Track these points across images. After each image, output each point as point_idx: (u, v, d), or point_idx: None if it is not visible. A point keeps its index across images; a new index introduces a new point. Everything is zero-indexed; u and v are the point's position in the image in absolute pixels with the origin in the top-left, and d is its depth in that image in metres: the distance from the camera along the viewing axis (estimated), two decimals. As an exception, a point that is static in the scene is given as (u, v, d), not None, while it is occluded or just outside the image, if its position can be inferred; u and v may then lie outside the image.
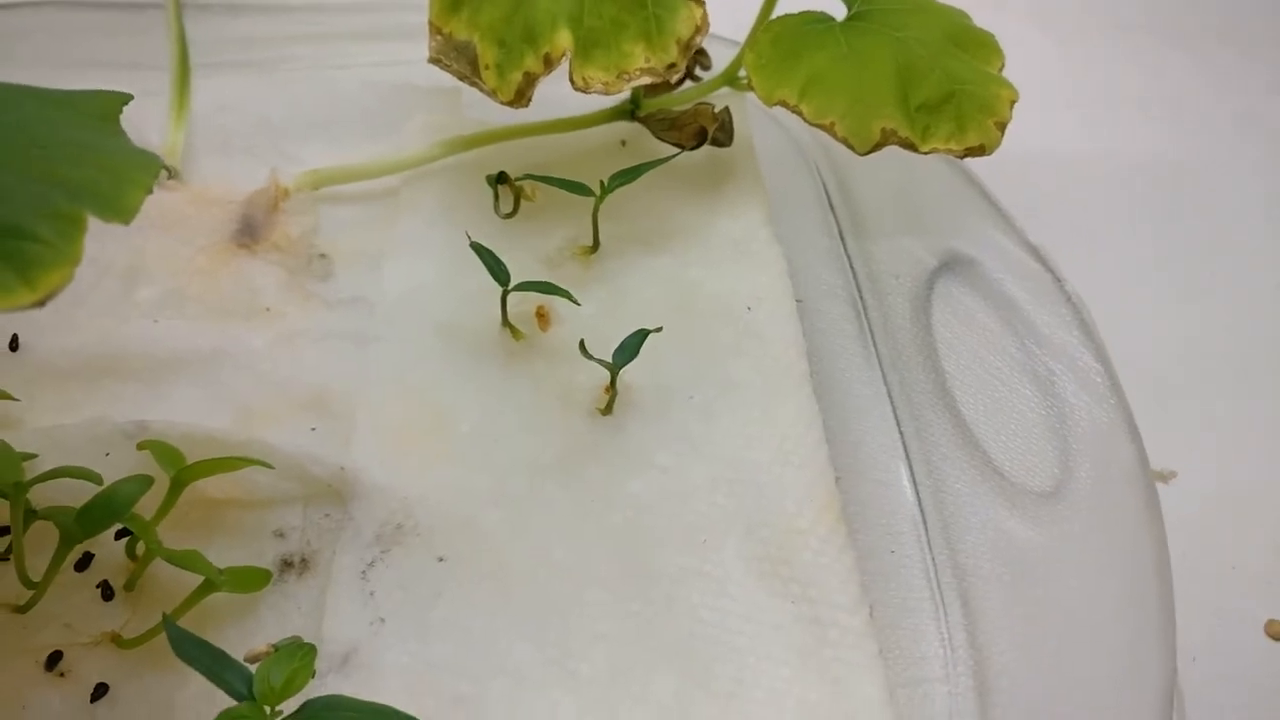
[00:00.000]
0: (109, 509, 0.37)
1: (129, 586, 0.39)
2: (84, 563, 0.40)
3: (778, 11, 0.50)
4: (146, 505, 0.38)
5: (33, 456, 0.39)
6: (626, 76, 0.47)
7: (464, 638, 0.38)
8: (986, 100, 0.47)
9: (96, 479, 0.38)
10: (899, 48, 0.48)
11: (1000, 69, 0.49)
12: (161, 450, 0.40)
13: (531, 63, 0.46)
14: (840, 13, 0.50)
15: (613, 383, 0.43)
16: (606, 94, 0.47)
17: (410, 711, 0.32)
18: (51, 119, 0.34)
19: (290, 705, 0.32)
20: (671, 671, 0.38)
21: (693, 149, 0.53)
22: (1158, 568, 0.40)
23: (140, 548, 0.39)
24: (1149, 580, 0.40)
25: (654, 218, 0.51)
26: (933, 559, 0.42)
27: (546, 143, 0.54)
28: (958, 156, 0.47)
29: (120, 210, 0.30)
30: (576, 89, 0.46)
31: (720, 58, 0.53)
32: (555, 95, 0.48)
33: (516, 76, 0.47)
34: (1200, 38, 0.79)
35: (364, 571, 0.40)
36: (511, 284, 0.45)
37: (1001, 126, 0.47)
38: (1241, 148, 0.71)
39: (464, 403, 0.44)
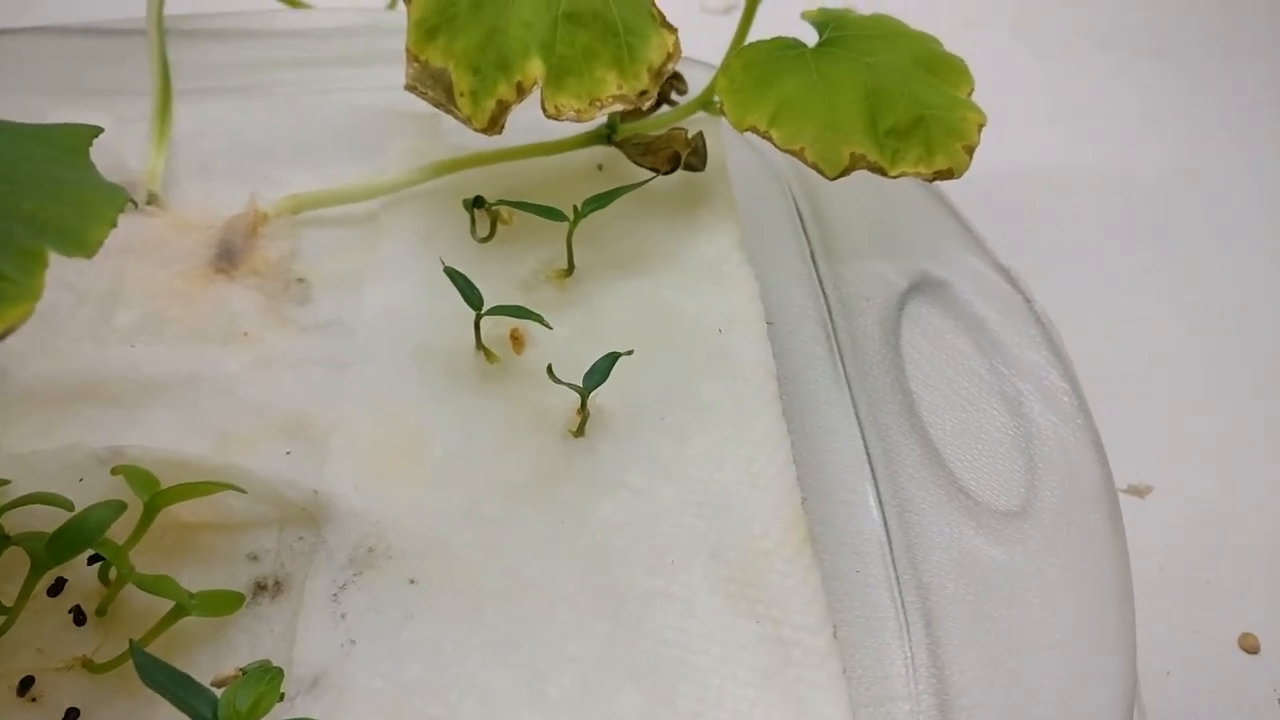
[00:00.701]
0: (80, 534, 0.37)
1: (101, 611, 0.39)
2: (57, 588, 0.40)
3: (755, 37, 0.50)
4: (121, 530, 0.39)
5: (5, 483, 0.40)
6: (599, 104, 0.47)
7: (435, 659, 0.39)
8: (954, 124, 0.47)
9: (68, 505, 0.38)
10: (868, 73, 0.48)
11: (969, 93, 0.50)
12: (135, 475, 0.40)
13: (504, 90, 0.47)
14: (812, 39, 0.50)
15: (583, 405, 0.44)
16: (579, 121, 0.47)
17: (379, 734, 0.32)
18: (21, 153, 0.34)
19: (258, 729, 0.32)
20: (638, 692, 0.38)
21: (667, 173, 0.53)
22: (1120, 586, 0.41)
23: (113, 573, 0.39)
24: (1111, 598, 0.41)
25: (629, 241, 0.51)
26: (897, 578, 0.42)
27: (525, 167, 0.54)
28: (926, 180, 0.47)
29: (82, 245, 0.30)
30: (549, 116, 0.47)
31: (698, 82, 0.54)
32: (534, 120, 0.48)
33: (490, 104, 0.47)
34: (1180, 53, 0.80)
35: (335, 594, 0.40)
36: (485, 308, 0.45)
37: (970, 150, 0.47)
38: (1220, 163, 0.72)
39: (438, 426, 0.45)
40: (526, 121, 0.49)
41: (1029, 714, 0.39)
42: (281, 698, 0.34)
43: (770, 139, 0.47)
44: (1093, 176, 0.71)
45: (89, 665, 0.38)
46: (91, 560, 0.40)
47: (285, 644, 0.39)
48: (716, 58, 0.52)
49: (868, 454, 0.46)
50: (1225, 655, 0.50)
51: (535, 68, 0.47)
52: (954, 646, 0.40)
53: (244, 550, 0.42)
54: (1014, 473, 0.45)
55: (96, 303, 0.48)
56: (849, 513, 0.44)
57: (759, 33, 0.50)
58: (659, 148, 0.53)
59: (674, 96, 0.56)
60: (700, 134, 0.53)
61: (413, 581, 0.40)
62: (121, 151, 0.56)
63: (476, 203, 0.52)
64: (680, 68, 0.54)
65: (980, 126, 0.48)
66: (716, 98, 0.49)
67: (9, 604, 0.38)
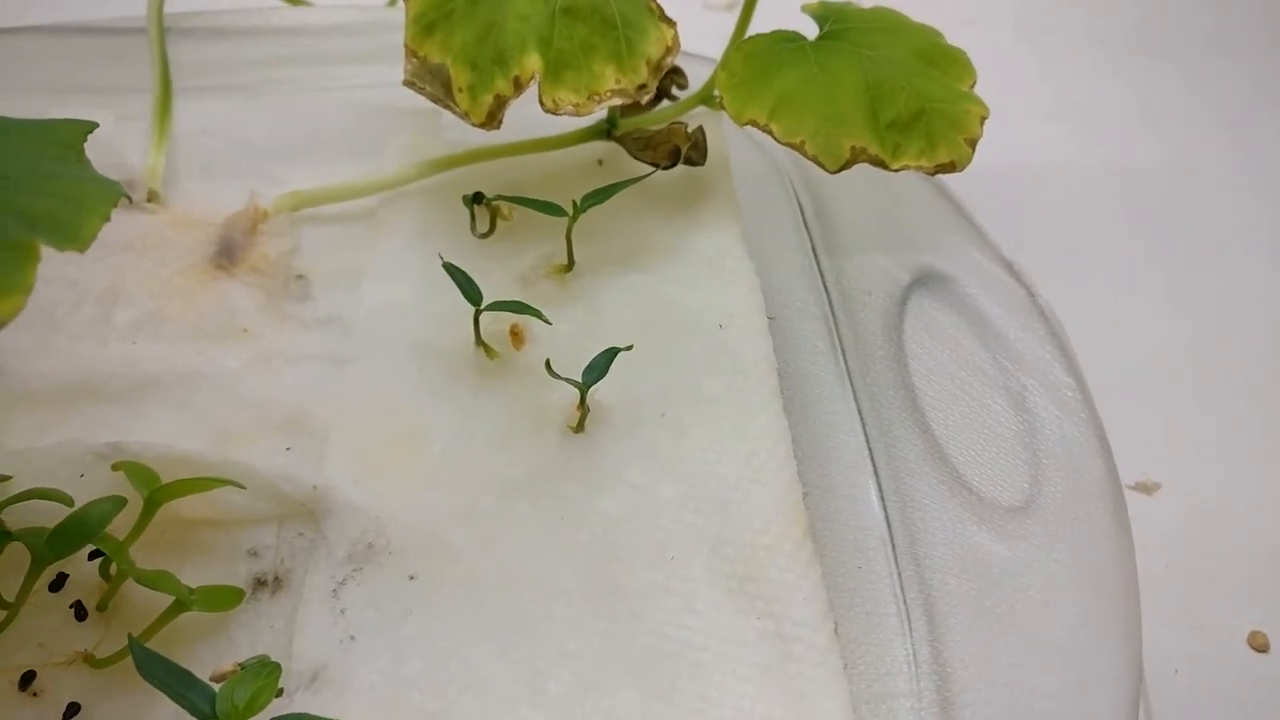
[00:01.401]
0: (81, 530, 0.37)
1: (101, 607, 0.39)
2: (58, 583, 0.40)
3: (756, 31, 0.50)
4: (121, 526, 0.39)
5: (6, 479, 0.40)
6: (597, 98, 0.47)
7: (434, 654, 0.39)
8: (957, 117, 0.47)
9: (68, 500, 0.38)
10: (869, 66, 0.48)
11: (971, 85, 0.50)
12: (135, 471, 0.40)
13: (502, 85, 0.47)
14: (813, 32, 0.50)
15: (582, 401, 0.44)
16: (576, 115, 0.47)
17: (377, 729, 0.32)
18: (15, 148, 0.34)
19: (256, 723, 0.32)
20: (637, 688, 0.38)
21: (667, 168, 0.53)
22: (1125, 582, 0.40)
23: (113, 568, 0.39)
24: (1115, 594, 0.40)
25: (629, 236, 0.51)
26: (899, 574, 0.42)
27: (525, 162, 0.54)
28: (928, 173, 0.47)
29: (76, 239, 0.30)
30: (546, 110, 0.46)
31: (699, 77, 0.54)
32: (535, 115, 0.48)
33: (488, 99, 0.47)
34: (1180, 51, 0.80)
35: (335, 590, 0.40)
36: (484, 304, 0.45)
37: (972, 143, 0.47)
38: (1221, 158, 0.72)
39: (437, 422, 0.45)
40: (527, 118, 0.49)
41: (1032, 711, 0.38)
42: (280, 693, 0.34)
43: (770, 132, 0.47)
44: (1094, 172, 0.70)
45: (90, 660, 0.38)
46: (92, 556, 0.40)
47: (285, 639, 0.39)
48: (718, 53, 0.51)
49: (869, 449, 0.46)
50: (1234, 653, 0.49)
51: (533, 62, 0.47)
52: (956, 643, 0.40)
53: (244, 546, 0.42)
54: (1018, 468, 0.45)
55: (97, 300, 0.48)
56: (851, 508, 0.44)
57: (760, 27, 0.50)
58: (659, 142, 0.53)
59: (675, 91, 0.56)
60: (700, 129, 0.53)
61: (412, 577, 0.40)
62: (122, 149, 0.56)
63: (476, 198, 0.52)
64: (682, 63, 0.54)
65: (982, 119, 0.47)
66: (717, 92, 0.49)
67: (10, 599, 0.38)
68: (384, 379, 0.46)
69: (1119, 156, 0.72)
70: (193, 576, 0.40)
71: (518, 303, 0.45)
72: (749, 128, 0.47)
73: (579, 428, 0.44)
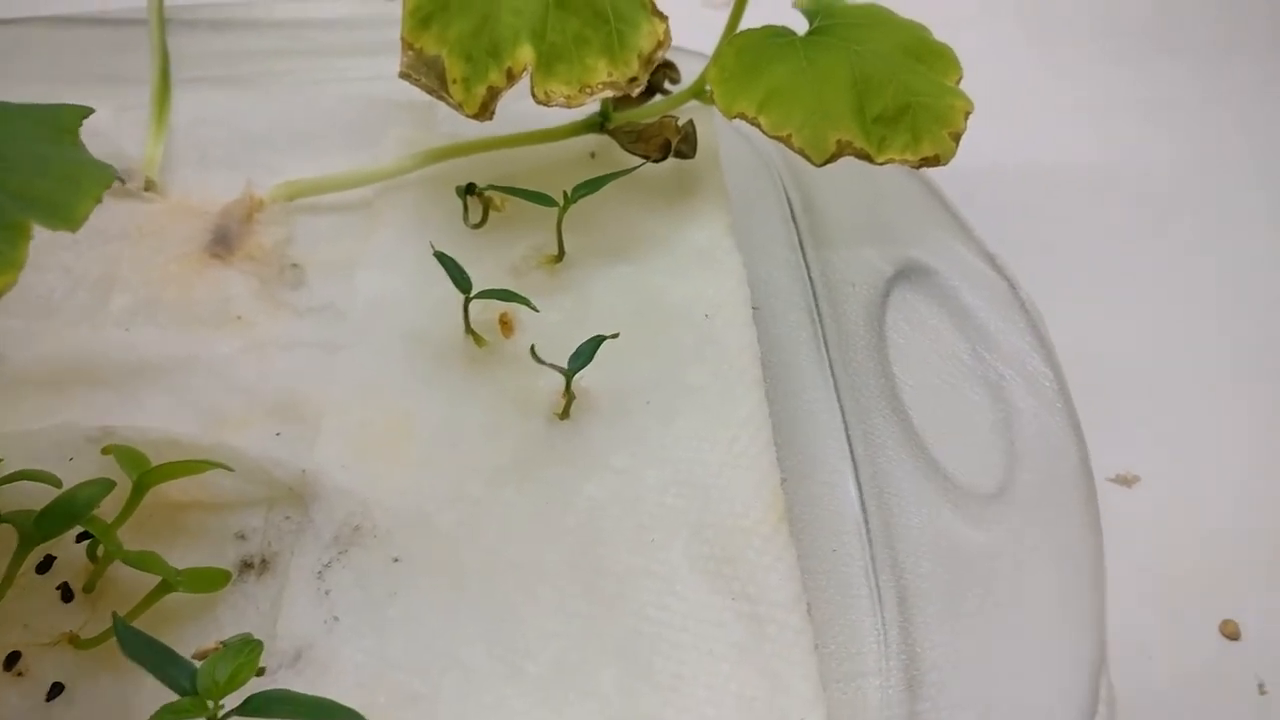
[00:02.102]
0: (69, 511, 0.38)
1: (88, 588, 0.40)
2: (45, 565, 0.40)
3: (747, 26, 0.51)
4: (111, 509, 0.39)
5: (-2, 460, 0.40)
6: (589, 90, 0.48)
7: (417, 636, 0.39)
8: (941, 112, 0.48)
9: (56, 482, 0.39)
10: (856, 61, 0.48)
11: (957, 81, 0.50)
12: (125, 454, 0.41)
13: (495, 76, 0.47)
14: (803, 28, 0.51)
15: (568, 387, 0.44)
16: (568, 107, 0.48)
17: (363, 708, 0.32)
18: (10, 132, 0.35)
19: (236, 700, 0.32)
20: (616, 667, 0.38)
21: (658, 161, 0.54)
22: (1093, 569, 0.41)
23: (101, 550, 0.40)
24: (1084, 581, 0.41)
25: (620, 228, 0.52)
26: (872, 557, 0.43)
27: (519, 155, 0.55)
28: (913, 166, 0.47)
29: (68, 219, 0.31)
30: (538, 102, 0.47)
31: (692, 72, 0.54)
32: (529, 109, 0.48)
33: (481, 90, 0.47)
34: (1181, 45, 0.80)
35: (320, 571, 0.40)
36: (473, 292, 0.46)
37: (956, 137, 0.47)
38: (1213, 155, 0.72)
39: (426, 408, 0.45)
40: (522, 112, 0.49)
41: (995, 690, 0.39)
42: (263, 671, 0.35)
43: (758, 125, 0.47)
44: (1088, 168, 0.71)
45: (75, 641, 0.38)
46: (80, 538, 0.41)
47: (271, 621, 0.40)
48: (712, 49, 0.52)
49: (848, 436, 0.46)
50: (1206, 641, 0.50)
51: (525, 54, 0.47)
52: (926, 624, 0.41)
53: (232, 529, 0.42)
54: (993, 456, 0.45)
55: (92, 286, 0.49)
56: (829, 494, 0.44)
57: (753, 22, 0.50)
58: (650, 135, 0.53)
59: (667, 85, 0.56)
60: (691, 122, 0.54)
61: (397, 560, 0.41)
62: (120, 139, 0.56)
63: (469, 189, 0.53)
64: (675, 58, 0.54)
65: (967, 114, 0.48)
66: (708, 86, 0.50)
67: (-2, 580, 0.38)
68: (375, 366, 0.47)
69: (1114, 152, 0.72)
70: (181, 559, 0.40)
71: (506, 291, 0.46)
72: (739, 122, 0.48)
73: (565, 414, 0.45)
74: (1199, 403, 0.58)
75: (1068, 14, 0.83)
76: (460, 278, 0.46)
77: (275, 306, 0.50)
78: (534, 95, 0.47)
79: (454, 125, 0.54)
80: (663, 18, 0.50)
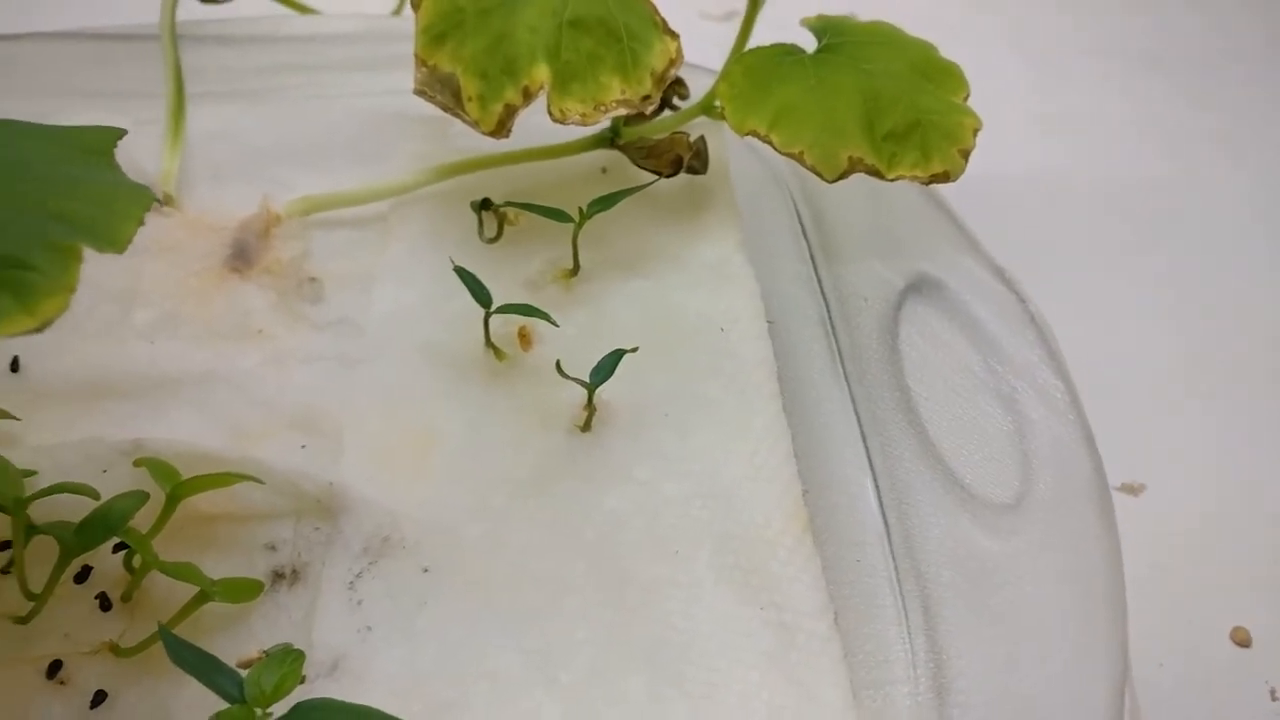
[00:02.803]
0: (106, 523, 0.39)
1: (126, 598, 0.41)
2: (83, 575, 0.41)
3: (754, 43, 0.52)
4: (143, 520, 0.40)
5: (32, 474, 0.41)
6: (603, 108, 0.49)
7: (448, 644, 0.40)
8: (951, 129, 0.49)
9: (94, 494, 0.40)
10: (866, 79, 0.50)
11: (965, 98, 0.51)
12: (157, 467, 0.41)
13: (511, 95, 0.48)
14: (810, 45, 0.52)
15: (590, 401, 0.45)
16: (583, 124, 0.48)
17: (398, 715, 0.33)
18: (48, 154, 0.36)
19: (281, 708, 0.33)
20: (646, 674, 0.39)
21: (669, 176, 0.55)
22: (1112, 575, 0.42)
23: (137, 560, 0.41)
24: (1104, 588, 0.42)
25: (633, 242, 0.53)
26: (896, 567, 0.44)
27: (531, 170, 0.56)
28: (923, 183, 0.48)
29: (113, 241, 0.32)
30: (555, 120, 0.48)
31: (699, 87, 0.55)
32: (541, 123, 0.49)
33: (498, 108, 0.48)
34: (1172, 61, 0.82)
35: (352, 582, 0.41)
36: (494, 306, 0.47)
37: (965, 154, 0.49)
38: (1210, 169, 0.73)
39: (448, 421, 0.46)
40: (533, 126, 0.50)
41: (1022, 696, 0.40)
42: (302, 680, 0.36)
43: (770, 142, 0.48)
44: (1086, 182, 0.72)
45: (115, 649, 0.39)
46: (116, 549, 0.41)
47: (303, 630, 0.41)
48: (715, 63, 0.53)
49: (866, 448, 0.47)
50: (1217, 648, 0.51)
51: (541, 72, 0.48)
52: (951, 633, 0.42)
53: (261, 540, 0.43)
54: (1008, 467, 0.46)
55: (115, 301, 0.50)
56: (849, 505, 0.45)
57: (758, 38, 0.51)
58: (662, 151, 0.55)
59: (676, 101, 0.57)
60: (702, 138, 0.55)
61: (426, 570, 0.42)
62: (136, 154, 0.57)
63: (484, 204, 0.54)
64: (681, 73, 0.55)
65: (975, 131, 0.49)
66: (718, 102, 0.51)
67: (37, 590, 0.39)
68: (395, 379, 0.48)
69: (1110, 166, 0.73)
70: (212, 569, 0.41)
71: (527, 306, 0.47)
72: (748, 139, 0.49)
73: (586, 427, 0.46)
74: (1205, 413, 0.60)
75: (1065, 30, 0.84)
76: (481, 293, 0.47)
77: (294, 320, 0.50)
78: (550, 113, 0.48)
79: (466, 140, 0.55)
80: (674, 36, 0.51)
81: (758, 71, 0.51)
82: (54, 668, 0.39)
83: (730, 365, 0.48)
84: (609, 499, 0.44)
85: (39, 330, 0.30)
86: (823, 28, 0.53)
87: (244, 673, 0.34)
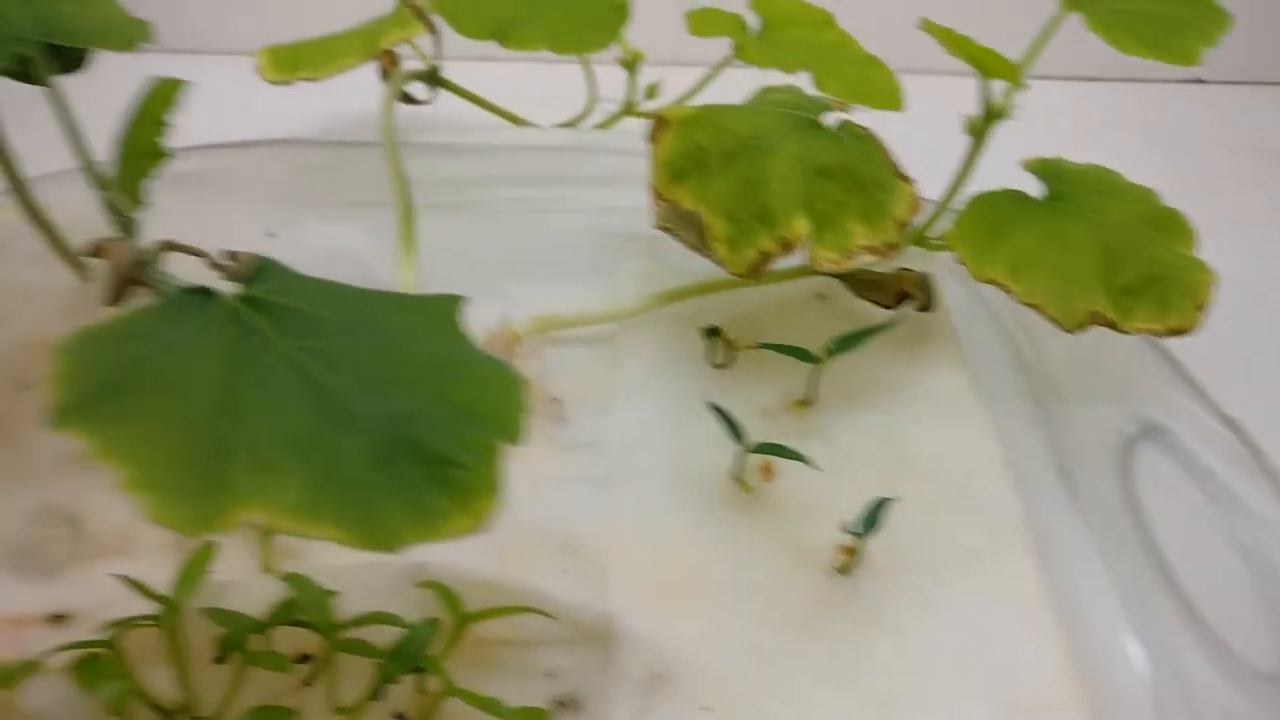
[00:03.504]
0: (410, 651, 0.41)
1: (423, 719, 0.43)
2: (379, 692, 0.43)
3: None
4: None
5: (334, 594, 0.44)
6: (850, 255, 0.51)
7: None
8: (1188, 285, 0.51)
9: (400, 623, 0.42)
10: (1099, 230, 0.52)
11: (1192, 248, 0.53)
12: (442, 593, 0.44)
13: (767, 243, 0.50)
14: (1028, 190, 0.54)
15: (855, 549, 0.47)
16: (836, 270, 0.51)
17: None
18: (403, 325, 0.38)
19: None
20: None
21: (889, 308, 0.57)
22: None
23: (429, 682, 0.43)
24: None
25: (860, 374, 0.55)
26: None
27: (748, 293, 0.58)
28: (1158, 335, 0.50)
29: (512, 435, 0.33)
30: (815, 269, 0.50)
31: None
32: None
33: (751, 253, 0.51)
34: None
35: (635, 717, 0.43)
36: (752, 444, 0.49)
37: (1201, 309, 0.50)
38: None
39: (706, 553, 0.48)
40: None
41: None
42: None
43: (1008, 290, 0.50)
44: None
45: (419, 769, 0.41)
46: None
47: (591, 761, 0.43)
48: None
49: (1122, 604, 0.48)
50: None
51: (801, 225, 0.50)
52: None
53: (540, 667, 0.45)
54: (1266, 630, 0.47)
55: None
56: (1111, 662, 0.46)
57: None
58: (887, 285, 0.57)
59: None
60: (930, 275, 0.57)
61: (705, 709, 0.44)
62: (372, 264, 0.60)
63: (712, 331, 0.56)
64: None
65: (1211, 286, 0.51)
66: (932, 236, 0.53)
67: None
68: (648, 506, 0.50)
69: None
70: (492, 693, 0.43)
71: (783, 447, 0.48)
72: (959, 270, 0.51)
73: (845, 571, 0.47)
74: None
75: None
76: (737, 432, 0.49)
77: (545, 441, 0.53)
78: (812, 261, 0.50)
79: (682, 259, 0.57)
80: (909, 180, 0.53)
81: (989, 217, 0.53)
82: (367, 786, 0.41)
83: (980, 511, 0.49)
84: (877, 646, 0.45)
85: (475, 531, 0.32)
86: (1046, 172, 0.55)
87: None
